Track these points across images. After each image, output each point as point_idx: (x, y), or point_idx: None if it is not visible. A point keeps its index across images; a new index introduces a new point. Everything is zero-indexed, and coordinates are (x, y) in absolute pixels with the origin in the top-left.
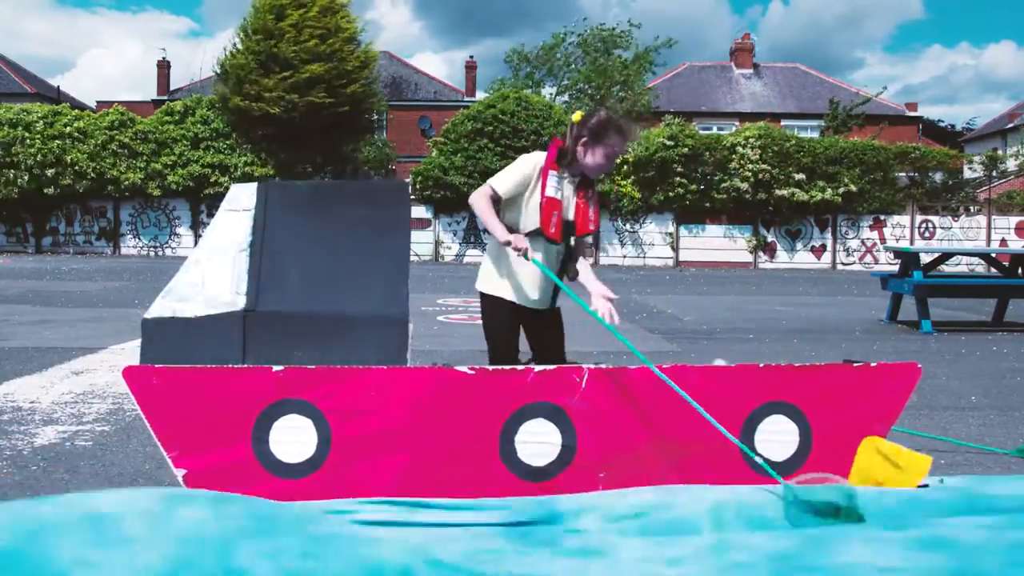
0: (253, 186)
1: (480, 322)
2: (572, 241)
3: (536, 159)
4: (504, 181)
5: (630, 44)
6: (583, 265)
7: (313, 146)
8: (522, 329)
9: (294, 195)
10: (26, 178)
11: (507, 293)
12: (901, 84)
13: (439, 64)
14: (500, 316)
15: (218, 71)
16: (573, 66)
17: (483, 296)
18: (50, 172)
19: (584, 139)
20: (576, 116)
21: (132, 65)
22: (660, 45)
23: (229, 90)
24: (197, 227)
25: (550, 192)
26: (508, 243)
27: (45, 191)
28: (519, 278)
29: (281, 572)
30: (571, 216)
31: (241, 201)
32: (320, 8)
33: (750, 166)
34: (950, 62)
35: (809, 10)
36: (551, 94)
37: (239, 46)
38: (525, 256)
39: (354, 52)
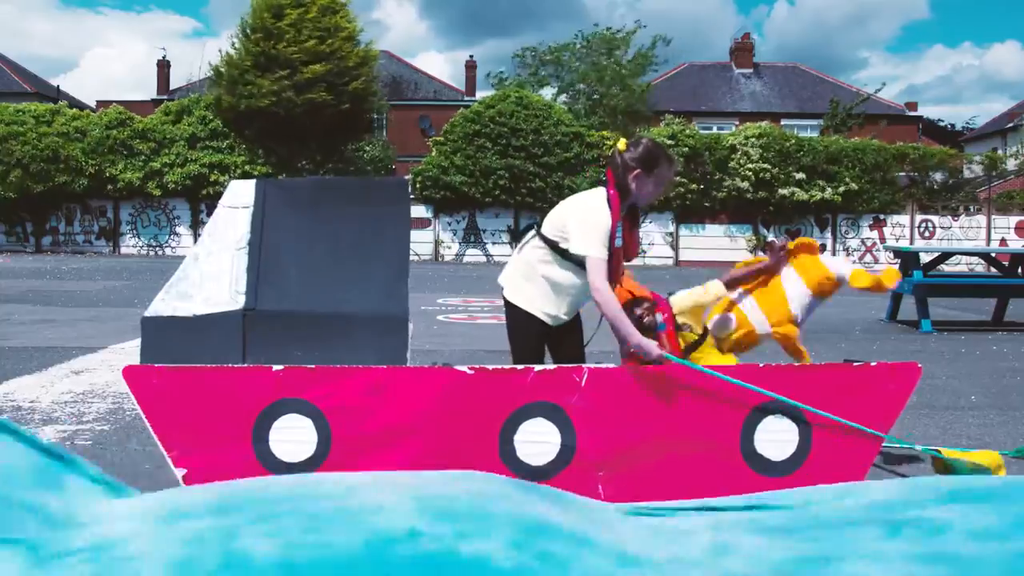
0: (252, 183)
1: (480, 322)
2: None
3: (606, 214)
4: (603, 247)
5: (630, 45)
6: None
7: (314, 145)
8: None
9: (293, 192)
10: (19, 174)
11: (539, 312)
12: (905, 84)
13: (443, 64)
14: (530, 331)
15: (212, 75)
16: (576, 65)
17: (514, 307)
18: (46, 168)
19: (637, 171)
20: (621, 145)
21: (136, 65)
22: (656, 42)
23: (223, 91)
24: (197, 226)
25: (619, 243)
26: (659, 358)
27: (42, 186)
28: (552, 299)
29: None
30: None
31: (240, 198)
32: (320, 8)
33: (750, 165)
34: (954, 62)
35: (814, 10)
36: (553, 94)
37: (237, 46)
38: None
39: (353, 50)
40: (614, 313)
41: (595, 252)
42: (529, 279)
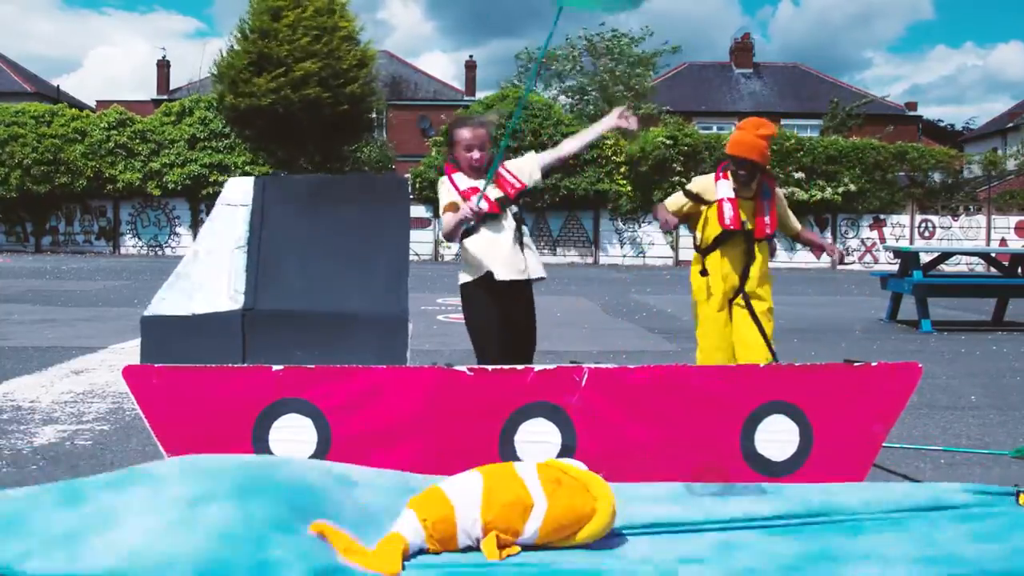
0: (250, 180)
1: None
2: (514, 208)
3: (443, 181)
4: (445, 202)
5: (635, 52)
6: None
7: (312, 145)
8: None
9: (291, 189)
10: (18, 175)
11: (481, 271)
12: (909, 83)
13: (448, 64)
14: (478, 298)
15: (214, 73)
16: (578, 68)
17: (462, 290)
18: (45, 169)
19: (447, 150)
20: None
21: (139, 65)
22: (664, 51)
23: (225, 89)
24: (197, 227)
25: (463, 187)
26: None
27: (39, 188)
28: (489, 256)
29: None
30: (497, 193)
31: (238, 195)
32: (316, 8)
33: None
34: (958, 62)
35: (818, 10)
36: (554, 95)
37: (236, 47)
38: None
39: (351, 51)
40: (449, 223)
41: (441, 210)
42: (465, 252)
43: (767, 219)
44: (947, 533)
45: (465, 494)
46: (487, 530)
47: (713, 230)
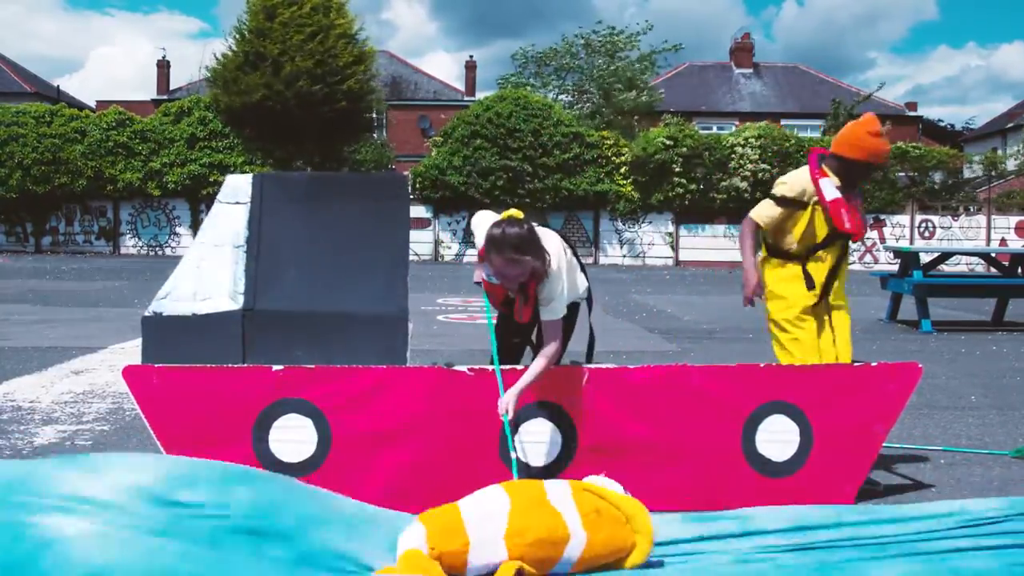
0: (248, 177)
1: (480, 322)
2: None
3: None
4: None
5: (635, 46)
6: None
7: (311, 145)
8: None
9: (291, 187)
10: (18, 175)
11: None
12: (911, 84)
13: (452, 64)
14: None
15: (209, 77)
16: (576, 64)
17: None
18: (45, 169)
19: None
20: (505, 213)
21: (141, 65)
22: (666, 49)
23: (220, 90)
24: (197, 227)
25: (490, 280)
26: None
27: (39, 188)
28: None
29: None
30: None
31: (237, 193)
32: (312, 6)
33: (750, 166)
34: (961, 63)
35: (823, 10)
36: (555, 94)
37: (233, 47)
38: None
39: (347, 47)
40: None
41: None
42: None
43: (862, 219)
44: None
45: (486, 524)
46: (512, 558)
47: (820, 233)
